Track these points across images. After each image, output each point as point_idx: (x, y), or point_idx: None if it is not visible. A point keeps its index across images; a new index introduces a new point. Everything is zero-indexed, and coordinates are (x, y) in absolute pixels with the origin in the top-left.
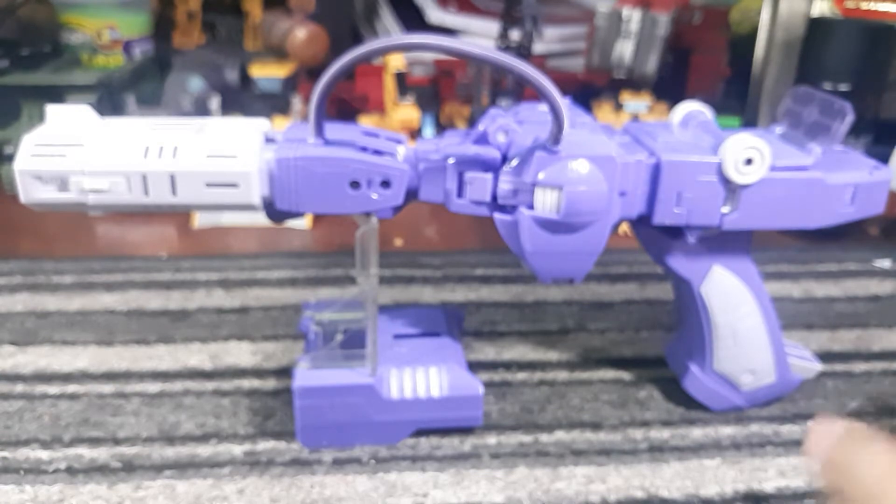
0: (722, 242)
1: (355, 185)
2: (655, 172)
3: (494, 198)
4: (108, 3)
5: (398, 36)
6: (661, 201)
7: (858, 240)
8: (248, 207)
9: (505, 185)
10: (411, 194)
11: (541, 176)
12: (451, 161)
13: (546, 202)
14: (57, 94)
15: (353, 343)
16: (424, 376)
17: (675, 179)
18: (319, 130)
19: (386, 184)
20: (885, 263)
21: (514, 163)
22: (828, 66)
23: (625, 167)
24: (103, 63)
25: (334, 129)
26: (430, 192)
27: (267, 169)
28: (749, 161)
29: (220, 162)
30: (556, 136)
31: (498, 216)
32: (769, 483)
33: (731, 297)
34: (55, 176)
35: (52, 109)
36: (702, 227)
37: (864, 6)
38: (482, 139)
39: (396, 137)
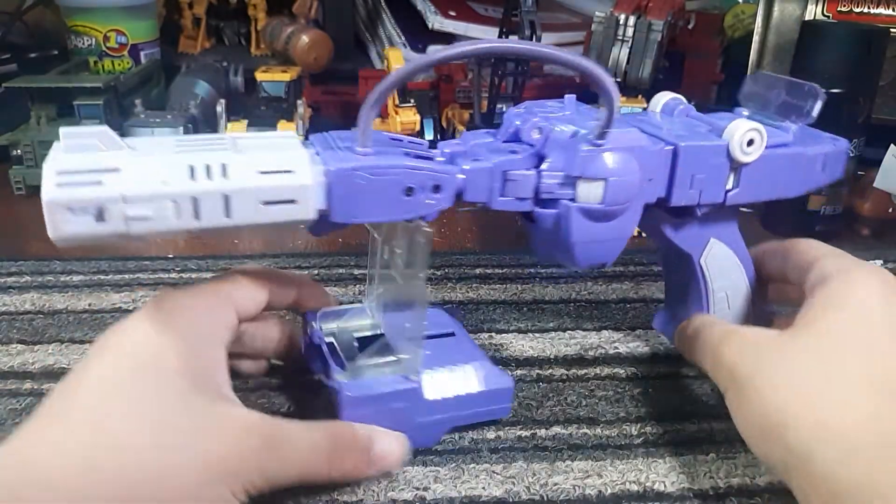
0: (717, 217)
1: (409, 191)
2: (674, 158)
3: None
4: (116, 8)
5: (459, 45)
6: (678, 185)
7: (849, 241)
8: (303, 223)
9: (549, 179)
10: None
11: (587, 169)
12: (495, 160)
13: (591, 193)
14: (64, 98)
15: (379, 350)
16: (459, 375)
17: (690, 163)
18: (369, 139)
19: (437, 188)
20: (876, 264)
21: (558, 157)
22: (821, 69)
23: (651, 155)
24: (110, 67)
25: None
26: (475, 193)
27: (323, 182)
28: (751, 142)
29: (276, 178)
30: (604, 130)
31: (540, 211)
32: (762, 478)
33: (724, 265)
34: (91, 206)
35: (66, 132)
36: (710, 204)
37: (857, 10)
38: (515, 137)
39: (420, 142)
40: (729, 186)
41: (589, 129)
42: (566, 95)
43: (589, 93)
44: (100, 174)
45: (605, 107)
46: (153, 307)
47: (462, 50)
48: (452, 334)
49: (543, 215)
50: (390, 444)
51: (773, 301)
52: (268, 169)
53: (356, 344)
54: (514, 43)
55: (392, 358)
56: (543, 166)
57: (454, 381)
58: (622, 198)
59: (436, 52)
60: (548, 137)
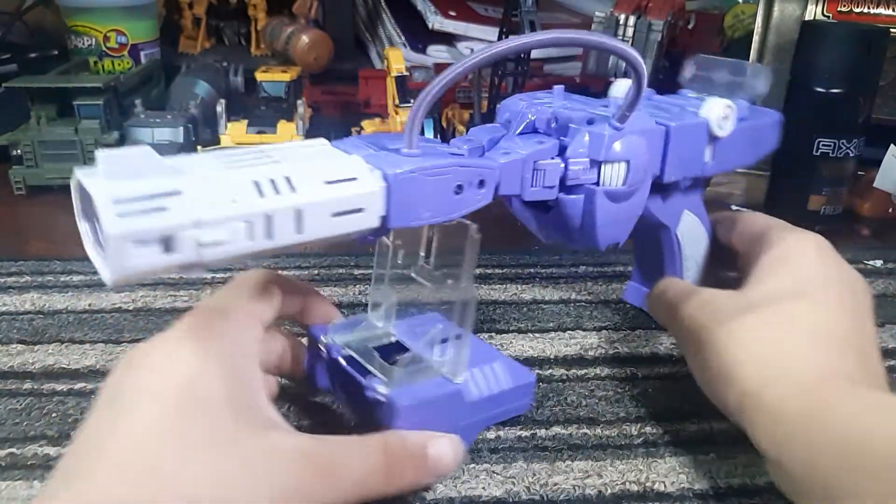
0: (689, 190)
1: (459, 188)
2: (666, 138)
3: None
4: (116, 8)
5: (509, 40)
6: (670, 162)
7: (849, 241)
8: (366, 232)
9: (575, 166)
10: None
11: (610, 153)
12: (527, 152)
13: (614, 176)
14: (64, 98)
15: (414, 357)
16: (488, 373)
17: (679, 142)
18: (416, 141)
19: (482, 183)
20: (876, 263)
21: (580, 144)
22: (821, 69)
23: (653, 136)
24: (110, 67)
25: (394, 139)
26: (509, 185)
27: (383, 187)
28: (726, 118)
29: (343, 187)
30: (626, 115)
31: (566, 197)
32: (762, 478)
33: (695, 235)
34: (161, 235)
35: (103, 156)
36: (692, 178)
37: (857, 10)
38: (532, 128)
39: (437, 140)
40: (707, 160)
41: (596, 115)
42: (554, 87)
43: (574, 90)
44: (162, 199)
45: (633, 91)
46: (184, 334)
47: (520, 43)
48: (459, 336)
49: (569, 201)
50: (444, 447)
51: (722, 266)
52: (333, 178)
53: (377, 354)
54: (570, 33)
55: (438, 361)
56: (568, 153)
57: (486, 379)
58: (639, 178)
59: (492, 46)
60: (565, 125)
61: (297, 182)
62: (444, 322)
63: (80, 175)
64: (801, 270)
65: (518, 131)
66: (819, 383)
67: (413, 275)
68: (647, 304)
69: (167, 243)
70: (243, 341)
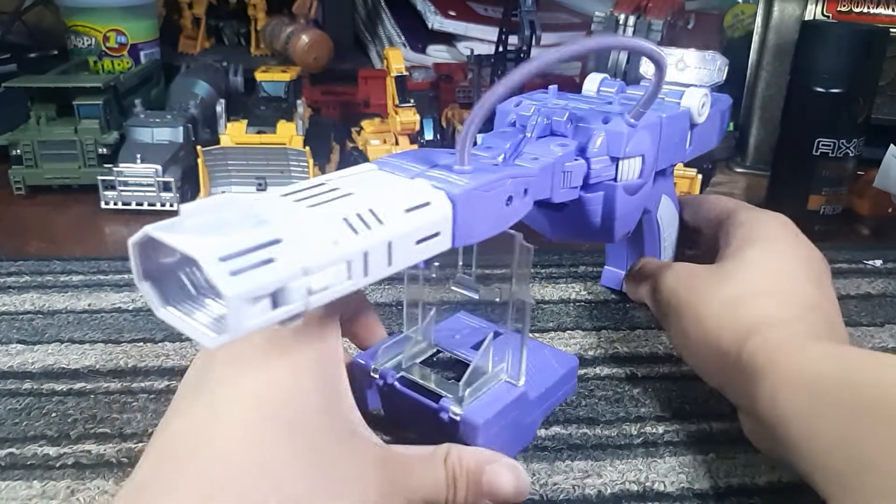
0: (667, 176)
1: (509, 200)
2: (659, 129)
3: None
4: (115, 8)
5: (561, 48)
6: (663, 150)
7: (849, 240)
8: (436, 257)
9: (597, 164)
10: None
11: (629, 148)
12: (558, 155)
13: (631, 170)
14: (64, 98)
15: (474, 371)
16: (540, 366)
17: (670, 131)
18: (468, 157)
19: (525, 191)
20: (875, 263)
21: (602, 142)
22: (820, 69)
23: (655, 128)
24: (110, 67)
25: (441, 155)
26: (540, 190)
27: (451, 208)
28: (703, 105)
29: (422, 213)
30: (641, 112)
31: (587, 195)
32: (761, 477)
33: (671, 216)
34: (273, 288)
35: (187, 210)
36: (675, 163)
37: (857, 10)
38: (548, 130)
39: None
40: (687, 146)
41: (609, 112)
42: (549, 86)
43: (575, 90)
44: (265, 250)
45: (652, 90)
46: (275, 338)
47: (585, 46)
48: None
49: (590, 198)
50: (501, 472)
51: (683, 244)
52: (411, 206)
53: (430, 370)
54: (623, 39)
55: (497, 367)
56: (589, 152)
57: (540, 373)
58: (650, 170)
59: (553, 51)
60: (582, 126)
61: (382, 214)
62: (478, 321)
63: (157, 232)
64: (770, 245)
65: (536, 134)
66: (792, 338)
67: (453, 287)
68: (625, 283)
69: (279, 295)
70: (331, 346)
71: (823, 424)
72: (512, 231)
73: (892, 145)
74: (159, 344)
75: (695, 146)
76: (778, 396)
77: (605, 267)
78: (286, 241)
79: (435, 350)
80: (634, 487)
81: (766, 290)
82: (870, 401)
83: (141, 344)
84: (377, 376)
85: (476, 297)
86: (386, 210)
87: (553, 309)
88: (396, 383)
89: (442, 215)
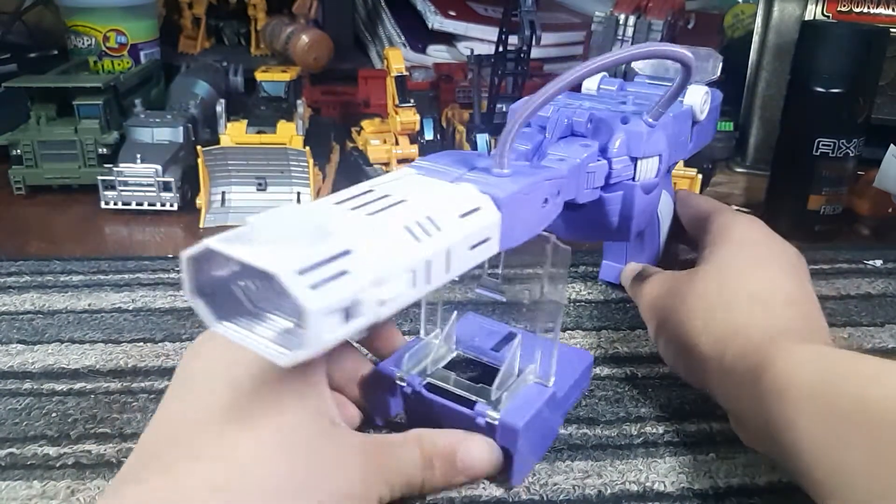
0: (667, 172)
1: (545, 202)
2: (670, 128)
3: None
4: (115, 8)
5: (609, 55)
6: (671, 147)
7: (850, 240)
8: (481, 264)
9: (618, 164)
10: None
11: (647, 148)
12: (583, 156)
13: (649, 169)
14: (64, 98)
15: (505, 374)
16: (562, 365)
17: (677, 129)
18: (508, 160)
19: (558, 192)
20: (876, 263)
21: (623, 142)
22: (820, 69)
23: (668, 126)
24: (110, 67)
25: (478, 158)
26: (568, 191)
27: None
28: (705, 102)
29: (474, 219)
30: (660, 112)
31: (606, 194)
32: (761, 477)
33: (668, 210)
34: (350, 301)
35: (260, 221)
36: (679, 160)
37: (857, 10)
38: (568, 130)
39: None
40: (689, 143)
41: (620, 112)
42: None
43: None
44: (338, 262)
45: (673, 93)
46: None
47: (619, 56)
48: (513, 334)
49: (610, 198)
50: (474, 449)
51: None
52: (464, 211)
53: (454, 374)
54: (664, 45)
55: (527, 369)
56: (610, 152)
57: (563, 372)
58: (665, 168)
59: (600, 59)
60: (602, 126)
61: (438, 221)
62: (489, 322)
63: (220, 245)
64: (742, 247)
65: (557, 135)
66: (767, 342)
67: (479, 290)
68: (622, 280)
69: (352, 307)
70: None
71: (803, 433)
72: (545, 233)
73: (892, 145)
74: (159, 344)
75: (695, 143)
76: (761, 404)
77: (604, 261)
78: (356, 252)
79: (455, 354)
80: (634, 487)
81: (743, 294)
82: (848, 408)
83: (141, 344)
84: (404, 384)
85: (503, 299)
86: (442, 217)
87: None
88: (423, 390)
89: (492, 220)
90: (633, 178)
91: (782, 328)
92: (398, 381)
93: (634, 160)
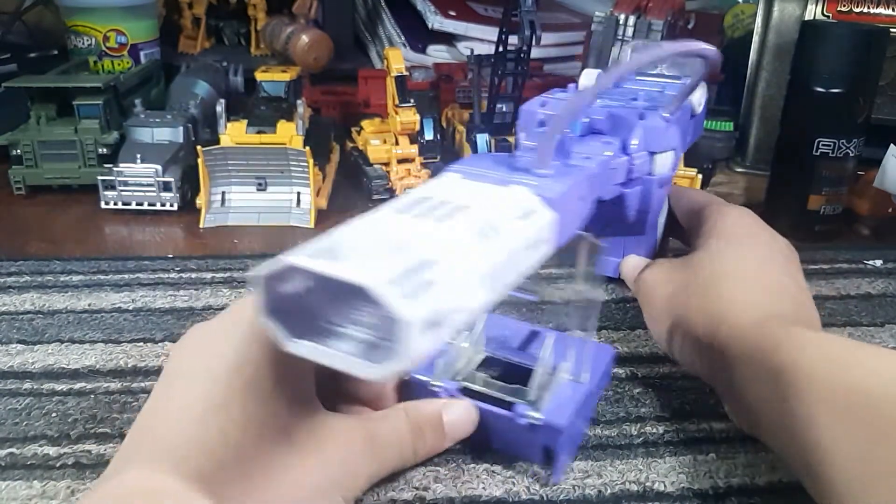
0: None
1: (582, 199)
2: (680, 122)
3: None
4: (115, 8)
5: (639, 56)
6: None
7: (850, 240)
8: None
9: (638, 160)
10: None
11: (663, 143)
12: (606, 154)
13: (665, 164)
14: (64, 98)
15: (542, 375)
16: (589, 360)
17: (681, 123)
18: (550, 161)
19: (591, 190)
20: (876, 263)
21: (642, 138)
22: (821, 69)
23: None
24: (110, 67)
25: (517, 158)
26: (598, 188)
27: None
28: (701, 97)
29: (531, 221)
30: (677, 107)
31: (627, 191)
32: (761, 477)
33: (664, 203)
34: (439, 312)
35: (345, 235)
36: (682, 153)
37: (857, 10)
38: (588, 128)
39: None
40: (688, 136)
41: (634, 108)
42: (569, 84)
43: None
44: (423, 272)
45: (689, 88)
46: (234, 318)
47: (667, 51)
48: (536, 332)
49: (630, 193)
50: (457, 412)
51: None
52: (521, 213)
53: (486, 376)
54: (694, 42)
55: (565, 371)
56: (630, 148)
57: (591, 367)
58: (677, 162)
59: (641, 57)
60: (621, 123)
61: (501, 225)
62: (510, 321)
63: (300, 260)
64: (736, 237)
65: (578, 133)
66: (757, 325)
67: (512, 292)
68: (621, 272)
69: (437, 318)
70: None
71: (788, 417)
72: (579, 231)
73: (892, 145)
74: (159, 344)
75: (692, 137)
76: (749, 386)
77: (605, 256)
78: (439, 261)
79: (484, 356)
80: (634, 487)
81: (734, 281)
82: (830, 395)
83: (141, 344)
84: (440, 389)
85: (536, 299)
86: (502, 220)
87: (553, 309)
88: (459, 394)
89: (547, 221)
90: (650, 173)
91: (773, 314)
92: (433, 388)
93: (652, 155)
